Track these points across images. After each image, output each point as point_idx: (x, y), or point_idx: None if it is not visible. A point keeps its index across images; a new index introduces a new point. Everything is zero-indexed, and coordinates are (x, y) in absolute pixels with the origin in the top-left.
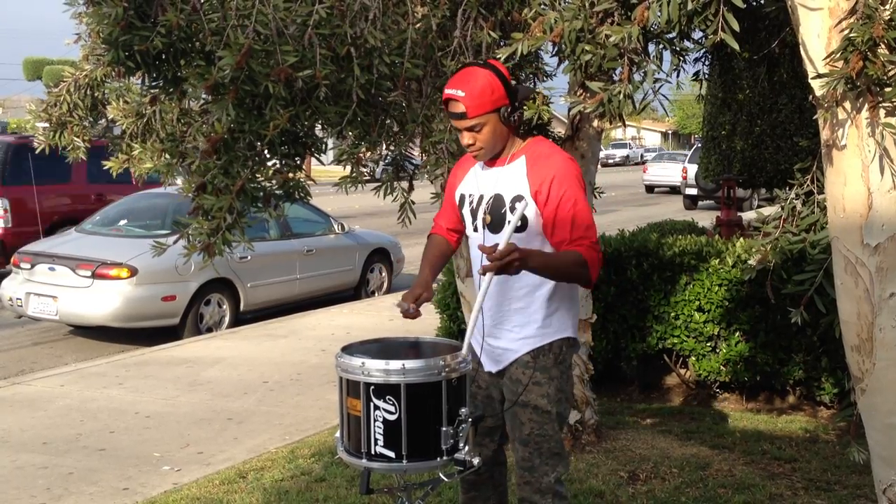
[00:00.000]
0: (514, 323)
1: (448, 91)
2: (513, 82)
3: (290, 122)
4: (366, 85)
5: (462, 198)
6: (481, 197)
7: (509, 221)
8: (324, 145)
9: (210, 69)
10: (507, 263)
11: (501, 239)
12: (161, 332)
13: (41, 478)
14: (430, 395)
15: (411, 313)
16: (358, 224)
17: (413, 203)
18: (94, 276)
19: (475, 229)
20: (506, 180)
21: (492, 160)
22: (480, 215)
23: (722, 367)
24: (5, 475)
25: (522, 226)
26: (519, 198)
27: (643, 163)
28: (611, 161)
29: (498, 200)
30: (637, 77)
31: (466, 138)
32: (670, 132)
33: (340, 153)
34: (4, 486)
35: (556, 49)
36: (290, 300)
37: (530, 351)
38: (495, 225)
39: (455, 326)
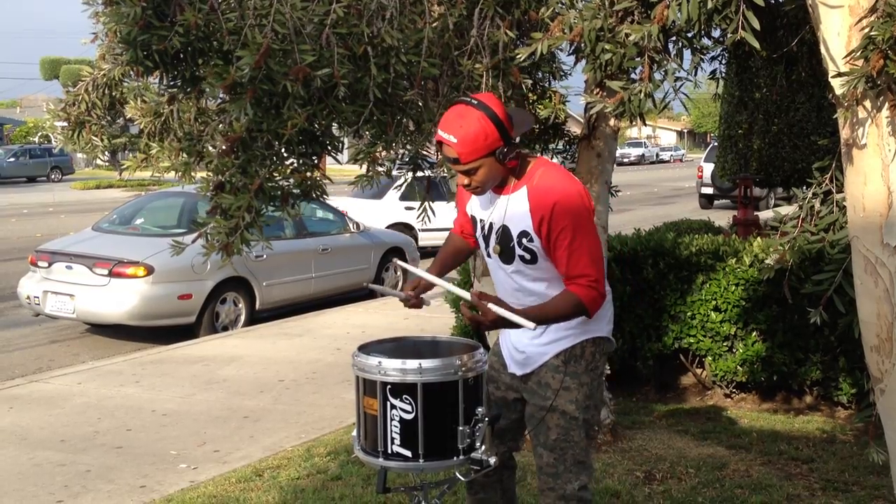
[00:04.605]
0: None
1: (441, 134)
2: (509, 112)
3: (307, 122)
4: (382, 84)
5: (474, 220)
6: (491, 225)
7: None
8: (341, 144)
9: (228, 68)
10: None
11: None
12: (177, 330)
13: (59, 475)
14: (446, 394)
15: (410, 302)
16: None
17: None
18: (111, 274)
19: (488, 255)
20: (511, 212)
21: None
22: (492, 243)
23: (738, 367)
24: (24, 472)
25: (532, 258)
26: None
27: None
28: (626, 160)
29: (506, 233)
30: (657, 76)
31: (463, 179)
32: (686, 131)
33: (357, 152)
34: (23, 484)
35: (573, 48)
36: (305, 299)
37: (560, 354)
38: (506, 256)
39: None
